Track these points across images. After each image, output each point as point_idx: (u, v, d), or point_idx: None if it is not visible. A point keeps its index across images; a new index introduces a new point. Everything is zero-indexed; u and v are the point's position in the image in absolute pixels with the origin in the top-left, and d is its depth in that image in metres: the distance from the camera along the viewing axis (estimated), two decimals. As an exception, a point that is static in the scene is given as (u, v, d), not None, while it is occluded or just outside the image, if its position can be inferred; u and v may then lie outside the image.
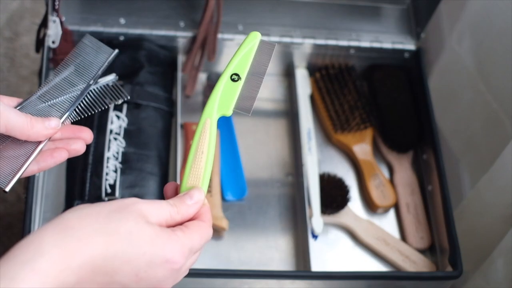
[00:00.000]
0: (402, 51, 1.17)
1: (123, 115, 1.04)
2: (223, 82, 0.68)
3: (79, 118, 0.72)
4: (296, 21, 1.16)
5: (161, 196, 1.01)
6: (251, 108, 0.67)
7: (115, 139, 1.02)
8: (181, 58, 1.14)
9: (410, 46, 1.17)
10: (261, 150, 1.12)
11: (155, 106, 1.07)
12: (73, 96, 0.72)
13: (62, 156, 0.70)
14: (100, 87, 0.75)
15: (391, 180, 1.11)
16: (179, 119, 1.08)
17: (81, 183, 0.99)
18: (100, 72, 0.75)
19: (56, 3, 1.02)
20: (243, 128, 1.13)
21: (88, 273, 0.55)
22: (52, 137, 0.69)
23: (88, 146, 1.01)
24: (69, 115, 0.71)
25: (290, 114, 1.16)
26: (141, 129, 1.04)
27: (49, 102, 0.71)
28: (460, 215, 1.04)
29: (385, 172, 1.12)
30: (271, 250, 1.03)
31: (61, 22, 1.05)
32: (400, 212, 1.08)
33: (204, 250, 1.01)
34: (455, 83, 1.11)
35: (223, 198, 1.06)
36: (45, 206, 1.00)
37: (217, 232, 1.02)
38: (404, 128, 1.12)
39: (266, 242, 1.03)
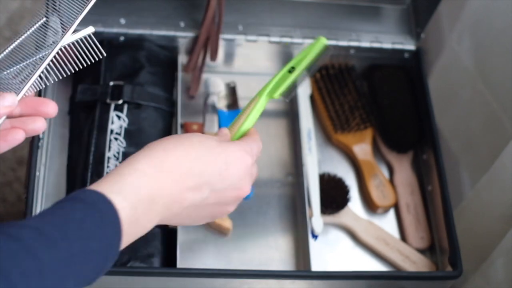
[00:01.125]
0: (402, 51, 1.17)
1: (123, 115, 1.04)
2: (283, 72, 0.78)
3: (44, 85, 0.64)
4: (296, 21, 1.16)
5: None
6: (291, 97, 0.79)
7: (116, 139, 1.03)
8: (181, 58, 1.15)
9: (410, 46, 1.17)
10: (261, 150, 1.11)
11: (156, 107, 1.07)
12: (39, 59, 0.62)
13: (16, 139, 0.64)
14: (72, 43, 0.64)
15: (391, 180, 1.11)
16: (179, 119, 1.08)
17: (81, 183, 0.99)
18: (74, 26, 0.64)
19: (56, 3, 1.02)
20: (243, 128, 1.13)
21: (178, 174, 0.63)
22: (11, 113, 0.63)
23: (88, 146, 1.02)
24: (34, 83, 0.62)
25: (290, 114, 1.16)
26: (142, 129, 1.05)
27: (11, 69, 0.62)
28: (460, 215, 1.04)
29: (385, 172, 1.12)
30: (271, 250, 1.03)
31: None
32: (400, 212, 1.08)
33: (204, 250, 1.01)
34: (455, 83, 1.11)
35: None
36: (46, 206, 1.00)
37: (222, 232, 1.02)
38: (404, 128, 1.12)
39: (266, 242, 1.03)
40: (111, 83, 1.06)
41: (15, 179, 1.50)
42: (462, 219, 1.04)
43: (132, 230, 0.59)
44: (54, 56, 0.63)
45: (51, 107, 0.66)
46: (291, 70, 0.78)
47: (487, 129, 1.04)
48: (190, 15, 1.14)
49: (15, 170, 1.51)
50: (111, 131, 1.03)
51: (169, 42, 1.13)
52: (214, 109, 1.13)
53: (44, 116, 0.66)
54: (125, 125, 1.04)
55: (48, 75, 0.63)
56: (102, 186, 0.58)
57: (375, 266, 1.03)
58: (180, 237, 0.98)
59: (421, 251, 1.05)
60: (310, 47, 0.80)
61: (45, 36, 0.63)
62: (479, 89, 1.04)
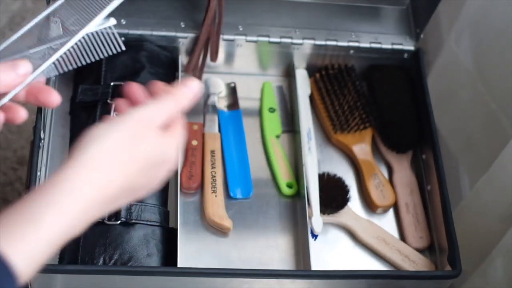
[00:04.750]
0: (401, 52, 1.18)
1: (124, 115, 1.05)
2: None
3: (57, 73, 0.61)
4: (296, 22, 1.16)
5: (162, 198, 1.02)
6: None
7: (116, 139, 1.03)
8: (181, 59, 1.15)
9: (410, 46, 1.17)
10: (261, 150, 1.12)
11: (156, 107, 1.07)
12: (58, 43, 0.60)
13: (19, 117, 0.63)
14: (93, 33, 0.61)
15: (391, 180, 1.11)
16: (180, 119, 1.09)
17: (82, 183, 0.99)
18: (103, 14, 0.63)
19: (58, 4, 1.03)
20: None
21: (108, 198, 0.58)
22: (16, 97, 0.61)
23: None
24: (48, 68, 0.59)
25: (290, 114, 1.16)
26: (142, 129, 1.05)
27: (26, 52, 0.59)
28: (459, 215, 1.04)
29: (384, 172, 1.12)
30: (271, 249, 1.03)
31: (62, 23, 1.05)
32: (399, 212, 1.08)
33: (204, 249, 1.01)
34: (453, 84, 1.11)
35: (231, 196, 1.06)
36: (47, 206, 1.00)
37: (222, 232, 1.03)
38: (404, 128, 1.12)
39: (266, 241, 1.04)
40: (112, 84, 1.07)
41: (16, 179, 1.50)
42: (461, 219, 1.04)
43: (29, 273, 0.52)
44: (73, 45, 0.60)
45: (53, 97, 0.63)
46: None
47: (486, 129, 1.04)
48: (190, 15, 1.15)
49: (16, 170, 1.51)
50: (112, 131, 1.03)
51: (170, 42, 1.14)
52: (214, 109, 1.13)
53: (45, 105, 0.64)
54: (125, 125, 1.04)
55: (63, 63, 0.61)
56: (2, 240, 0.51)
57: (375, 265, 1.04)
58: (181, 237, 0.98)
59: (420, 250, 1.05)
60: None
61: (62, 24, 0.61)
62: (478, 89, 1.04)
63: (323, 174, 1.08)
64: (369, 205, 1.09)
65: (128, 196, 0.61)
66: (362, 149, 1.12)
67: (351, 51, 1.17)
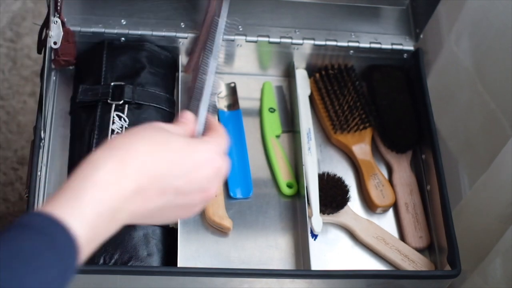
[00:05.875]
0: (401, 52, 1.18)
1: (124, 115, 1.05)
2: None
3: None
4: (296, 22, 1.17)
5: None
6: None
7: (116, 139, 1.03)
8: (182, 59, 1.15)
9: (409, 46, 1.18)
10: (261, 150, 1.12)
11: (157, 107, 1.07)
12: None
13: None
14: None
15: (390, 180, 1.11)
16: (180, 119, 1.09)
17: (82, 182, 1.00)
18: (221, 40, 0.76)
19: (58, 3, 1.03)
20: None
21: (144, 178, 0.61)
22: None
23: (90, 146, 1.02)
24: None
25: (290, 114, 1.16)
26: (142, 129, 1.05)
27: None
28: (458, 215, 1.05)
29: (384, 172, 1.12)
30: (271, 249, 1.03)
31: (63, 23, 1.06)
32: (399, 211, 1.08)
33: (204, 249, 1.02)
34: (453, 84, 1.11)
35: (231, 196, 1.06)
36: (47, 206, 1.00)
37: (222, 232, 1.03)
38: (403, 128, 1.12)
39: (266, 241, 1.04)
40: (112, 84, 1.07)
41: (16, 179, 1.51)
42: (460, 218, 1.04)
43: (92, 245, 0.57)
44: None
45: None
46: None
47: (485, 129, 1.05)
48: (190, 15, 1.15)
49: (17, 170, 1.52)
50: (112, 131, 1.03)
51: (170, 42, 1.14)
52: (214, 109, 1.13)
53: None
54: (126, 125, 1.04)
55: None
56: (56, 207, 0.55)
57: (374, 265, 1.04)
58: (181, 237, 0.98)
59: (420, 250, 1.05)
60: None
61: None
62: (478, 89, 1.05)
63: (323, 174, 1.08)
64: (369, 205, 1.09)
65: (164, 197, 0.63)
66: (361, 149, 1.12)
67: (351, 51, 1.17)
